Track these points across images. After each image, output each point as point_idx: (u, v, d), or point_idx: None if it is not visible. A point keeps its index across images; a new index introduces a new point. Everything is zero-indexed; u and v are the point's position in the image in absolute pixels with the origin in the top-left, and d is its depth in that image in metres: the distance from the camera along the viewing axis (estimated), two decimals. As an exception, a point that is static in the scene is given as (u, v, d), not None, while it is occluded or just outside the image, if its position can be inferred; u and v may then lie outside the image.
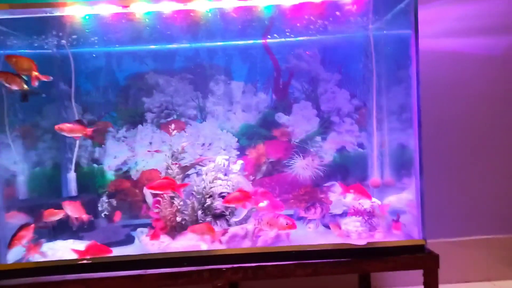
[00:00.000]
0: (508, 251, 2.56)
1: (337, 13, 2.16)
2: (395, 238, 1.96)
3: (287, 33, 2.44)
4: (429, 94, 2.35)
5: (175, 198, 2.10)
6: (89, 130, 1.96)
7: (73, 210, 1.97)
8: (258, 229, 1.88)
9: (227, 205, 1.94)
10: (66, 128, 1.92)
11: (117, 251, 1.92)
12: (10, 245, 1.77)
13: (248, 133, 2.56)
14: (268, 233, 1.90)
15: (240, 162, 2.33)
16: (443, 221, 2.57)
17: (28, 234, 1.81)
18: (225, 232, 1.92)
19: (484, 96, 2.56)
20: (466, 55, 2.54)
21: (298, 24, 2.28)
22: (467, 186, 2.58)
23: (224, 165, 2.27)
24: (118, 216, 2.24)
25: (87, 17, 1.99)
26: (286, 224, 1.81)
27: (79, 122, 1.98)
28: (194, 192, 2.16)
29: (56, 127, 1.93)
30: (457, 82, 2.55)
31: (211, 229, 1.89)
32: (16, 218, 1.96)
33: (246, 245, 1.94)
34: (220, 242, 1.91)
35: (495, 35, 2.52)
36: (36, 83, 1.87)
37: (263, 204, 1.90)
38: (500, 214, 2.58)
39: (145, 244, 1.98)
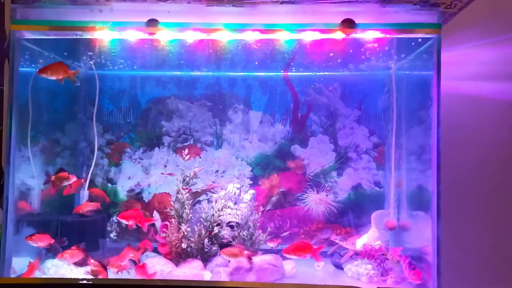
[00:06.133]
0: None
1: (362, 50, 2.16)
2: (408, 285, 1.86)
3: (308, 67, 2.46)
4: (451, 137, 2.28)
5: (182, 224, 2.08)
6: (71, 73, 1.99)
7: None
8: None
9: (120, 220, 2.04)
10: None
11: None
12: (28, 237, 1.88)
13: (262, 163, 2.54)
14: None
15: (251, 192, 2.30)
16: (461, 270, 2.42)
17: (44, 241, 1.89)
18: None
19: (507, 143, 2.46)
20: (490, 100, 2.46)
21: (319, 59, 2.30)
22: (488, 233, 2.43)
23: (235, 194, 2.24)
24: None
25: (114, 41, 2.07)
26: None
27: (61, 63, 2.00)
28: (202, 219, 2.13)
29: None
30: (480, 127, 2.46)
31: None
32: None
33: (250, 279, 1.87)
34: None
35: (521, 82, 2.46)
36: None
37: None
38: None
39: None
